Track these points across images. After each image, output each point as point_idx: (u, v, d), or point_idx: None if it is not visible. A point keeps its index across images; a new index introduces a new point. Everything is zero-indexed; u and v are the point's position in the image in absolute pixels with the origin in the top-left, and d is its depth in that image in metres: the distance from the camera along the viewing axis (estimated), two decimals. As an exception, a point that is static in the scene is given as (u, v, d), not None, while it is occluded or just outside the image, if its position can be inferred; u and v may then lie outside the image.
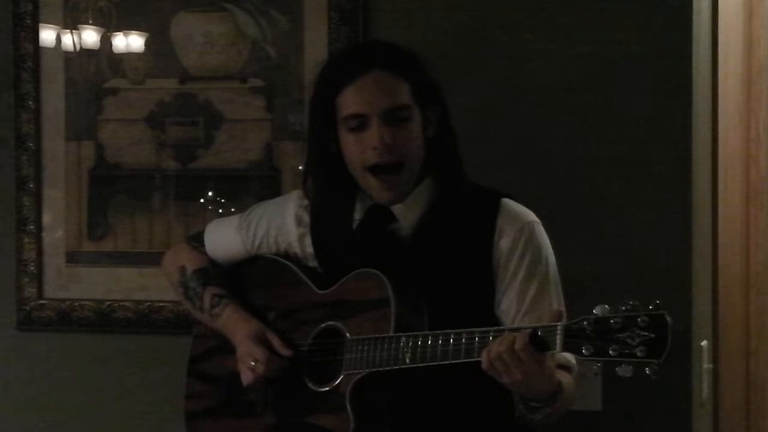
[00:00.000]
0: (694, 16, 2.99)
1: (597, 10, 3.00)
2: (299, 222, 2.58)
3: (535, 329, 2.18)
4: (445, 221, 2.45)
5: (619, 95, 3.00)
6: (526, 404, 2.31)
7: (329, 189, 2.50)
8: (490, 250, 2.43)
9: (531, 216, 2.49)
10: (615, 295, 2.90)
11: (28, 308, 3.33)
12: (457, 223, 2.45)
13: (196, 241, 2.73)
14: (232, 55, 3.23)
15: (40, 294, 3.33)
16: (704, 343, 3.13)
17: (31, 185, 3.32)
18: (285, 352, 2.48)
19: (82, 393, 3.31)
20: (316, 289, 2.51)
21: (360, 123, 2.41)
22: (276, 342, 2.50)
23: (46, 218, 3.33)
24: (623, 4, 3.00)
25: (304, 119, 3.16)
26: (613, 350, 2.09)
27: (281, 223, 2.61)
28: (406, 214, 2.47)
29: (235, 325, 2.56)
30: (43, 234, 3.33)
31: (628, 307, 2.11)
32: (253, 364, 2.48)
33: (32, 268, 3.32)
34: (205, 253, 2.70)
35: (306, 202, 2.58)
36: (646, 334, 2.08)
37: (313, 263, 2.58)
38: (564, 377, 2.31)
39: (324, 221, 2.54)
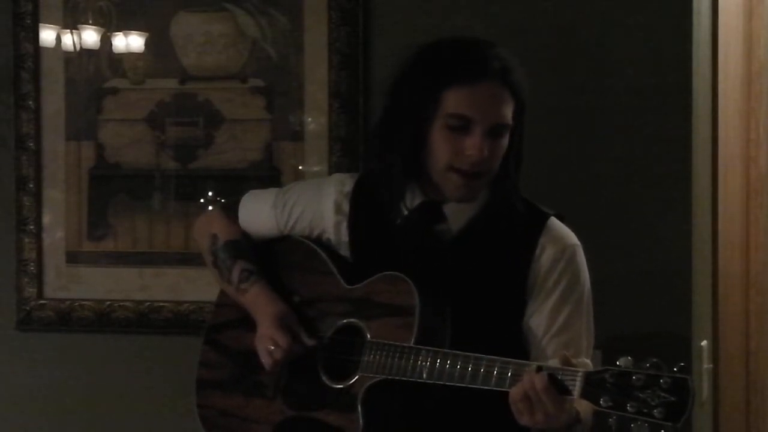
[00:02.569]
0: (694, 16, 2.99)
1: (596, 11, 3.00)
2: (338, 209, 2.55)
3: (555, 372, 2.17)
4: (490, 230, 2.44)
5: (620, 95, 3.00)
6: None
7: (395, 169, 2.44)
8: (528, 265, 2.42)
9: (574, 239, 2.47)
10: (615, 295, 2.92)
11: (28, 308, 3.33)
12: (501, 233, 2.43)
13: (230, 210, 2.69)
14: (232, 55, 3.23)
15: (40, 294, 3.33)
16: (704, 343, 3.13)
17: (31, 185, 3.32)
18: (308, 341, 2.47)
19: (82, 393, 3.31)
20: (344, 283, 2.49)
21: (463, 125, 2.37)
22: (300, 331, 2.48)
23: (46, 218, 3.33)
24: (623, 4, 3.00)
25: (304, 119, 3.18)
26: (632, 406, 2.06)
27: (317, 208, 2.57)
28: (456, 217, 2.45)
29: (261, 304, 2.54)
30: (43, 234, 3.33)
31: (652, 364, 2.07)
32: (272, 348, 2.47)
33: (32, 268, 3.32)
34: (238, 225, 2.66)
35: (347, 189, 2.55)
36: (666, 396, 2.05)
37: (345, 252, 2.55)
38: (581, 405, 2.26)
39: (370, 209, 2.51)
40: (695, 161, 3.00)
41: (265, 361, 2.49)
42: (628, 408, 2.07)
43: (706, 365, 3.14)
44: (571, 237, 2.47)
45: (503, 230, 2.44)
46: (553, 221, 2.46)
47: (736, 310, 3.71)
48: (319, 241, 2.58)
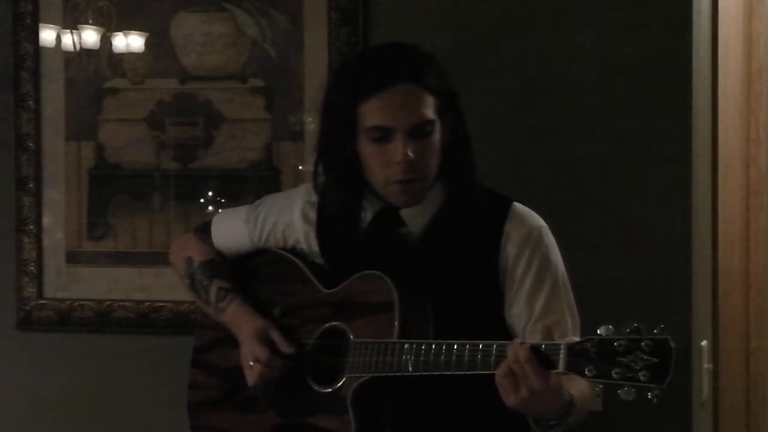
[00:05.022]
0: (694, 16, 2.99)
1: (597, 10, 3.00)
2: (305, 219, 2.57)
3: (538, 344, 2.17)
4: (453, 226, 2.44)
5: (619, 95, 3.00)
6: (538, 422, 2.29)
7: (340, 190, 2.48)
8: (497, 255, 2.42)
9: (539, 221, 2.47)
10: (614, 295, 2.92)
11: (28, 308, 3.33)
12: (465, 227, 2.44)
13: (203, 232, 2.71)
14: (232, 55, 3.23)
15: (40, 294, 3.33)
16: (704, 343, 3.13)
17: (31, 185, 3.32)
18: (286, 349, 2.47)
19: (82, 393, 3.31)
20: (322, 288, 2.50)
21: (384, 135, 2.38)
22: (278, 340, 2.48)
23: (46, 218, 3.33)
24: (623, 4, 3.00)
25: (304, 119, 3.18)
26: (617, 373, 2.07)
27: (288, 219, 2.60)
28: (415, 219, 2.46)
29: (240, 320, 2.55)
30: (43, 234, 3.33)
31: (632, 329, 2.08)
32: (252, 364, 2.47)
33: (32, 268, 3.32)
34: (212, 245, 2.68)
35: (313, 198, 2.57)
36: (649, 358, 2.06)
37: (319, 260, 2.57)
38: (577, 385, 2.27)
39: (332, 222, 2.53)
40: (695, 161, 3.00)
41: (249, 377, 2.49)
42: (613, 375, 2.08)
43: (706, 365, 3.14)
44: (535, 219, 2.48)
45: (466, 225, 2.44)
46: (516, 206, 2.47)
47: (736, 310, 3.71)
48: (293, 251, 2.60)
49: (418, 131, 2.38)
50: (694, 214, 3.00)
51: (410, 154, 2.37)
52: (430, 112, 2.39)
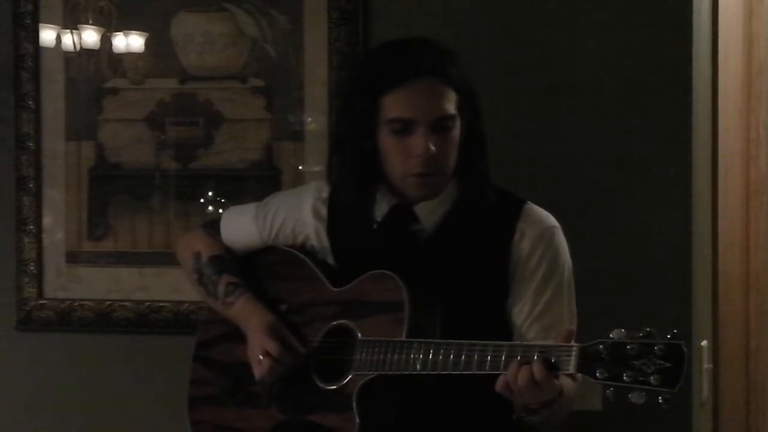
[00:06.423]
0: (694, 16, 2.99)
1: (597, 11, 3.00)
2: (316, 215, 2.57)
3: (548, 354, 2.18)
4: (466, 223, 2.45)
5: (619, 95, 3.00)
6: (523, 407, 2.30)
7: (354, 183, 2.48)
8: (508, 253, 2.43)
9: (552, 221, 2.48)
10: (615, 295, 2.92)
11: (28, 308, 3.33)
12: (478, 225, 2.45)
13: (212, 228, 2.70)
14: (232, 55, 3.23)
15: (40, 294, 3.33)
16: (704, 343, 3.13)
17: (31, 185, 3.32)
18: (299, 349, 2.47)
19: (82, 393, 3.31)
20: (330, 286, 2.50)
21: (405, 127, 2.39)
22: (290, 339, 2.48)
23: (46, 218, 3.33)
24: (623, 4, 3.00)
25: (304, 119, 3.18)
26: (628, 376, 2.08)
27: (299, 216, 2.59)
28: (429, 215, 2.47)
29: (249, 315, 2.54)
30: (43, 234, 3.33)
31: (645, 333, 2.09)
32: (262, 357, 2.47)
33: (32, 268, 3.32)
34: (221, 241, 2.67)
35: (324, 195, 2.57)
36: (661, 362, 2.07)
37: (329, 258, 2.57)
38: (566, 381, 2.28)
39: (345, 216, 2.53)
40: (695, 161, 3.00)
41: (258, 371, 2.49)
42: (624, 378, 2.09)
43: (706, 365, 3.14)
44: (549, 219, 2.49)
45: (479, 222, 2.45)
46: (530, 206, 2.48)
47: (736, 310, 3.71)
48: (303, 248, 2.60)
49: (440, 125, 2.40)
50: (694, 214, 3.00)
51: (432, 147, 2.38)
52: (452, 108, 2.41)
